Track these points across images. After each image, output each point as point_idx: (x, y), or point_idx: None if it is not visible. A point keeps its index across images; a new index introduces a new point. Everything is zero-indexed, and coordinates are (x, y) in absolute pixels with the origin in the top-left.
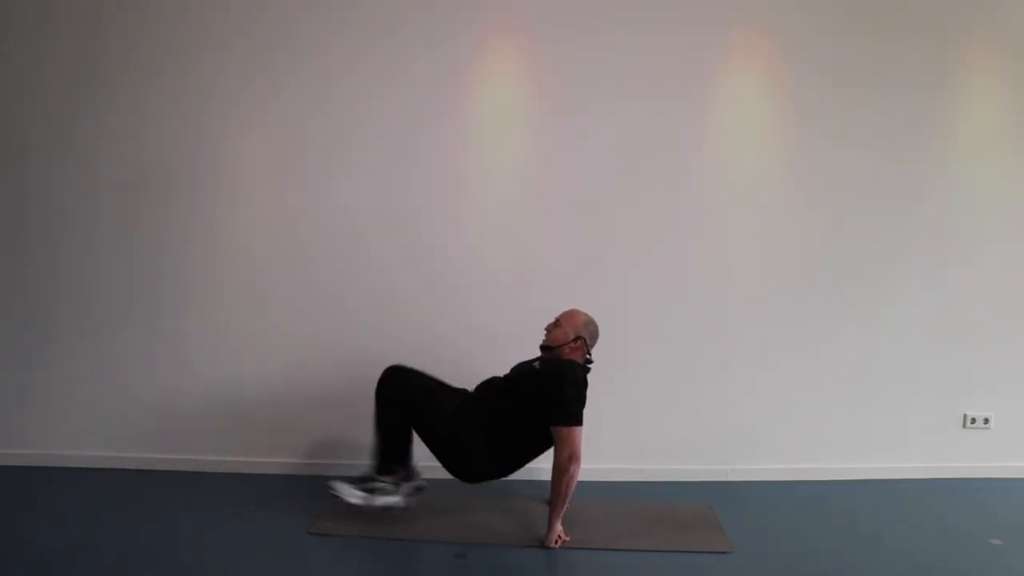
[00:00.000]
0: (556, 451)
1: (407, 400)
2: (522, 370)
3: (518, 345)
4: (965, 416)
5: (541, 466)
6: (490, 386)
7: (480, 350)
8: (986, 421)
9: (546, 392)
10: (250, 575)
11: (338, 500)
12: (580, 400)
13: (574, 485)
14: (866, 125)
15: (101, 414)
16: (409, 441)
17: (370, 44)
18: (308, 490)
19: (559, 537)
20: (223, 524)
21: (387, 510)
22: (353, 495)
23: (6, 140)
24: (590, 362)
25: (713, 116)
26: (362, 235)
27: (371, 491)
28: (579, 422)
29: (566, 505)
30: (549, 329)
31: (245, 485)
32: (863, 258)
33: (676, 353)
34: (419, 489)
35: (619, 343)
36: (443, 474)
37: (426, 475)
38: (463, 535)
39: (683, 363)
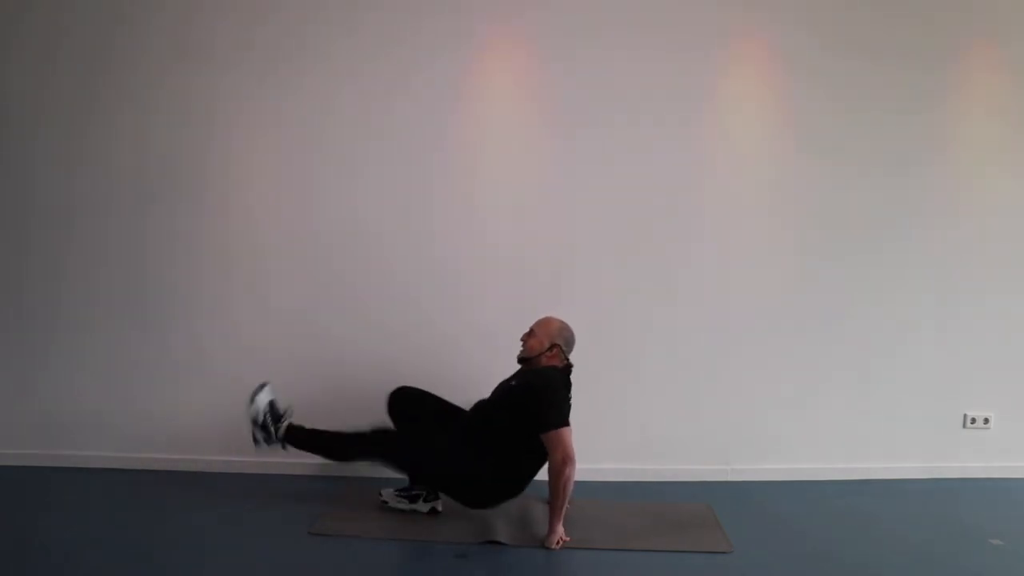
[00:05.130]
0: (549, 456)
1: (403, 455)
2: (502, 390)
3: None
4: (965, 416)
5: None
6: (478, 413)
7: (486, 351)
8: (986, 421)
9: (527, 404)
10: (250, 575)
11: (341, 501)
12: (562, 402)
13: (572, 485)
14: (866, 131)
15: (102, 414)
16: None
17: (378, 48)
18: (308, 490)
19: (560, 538)
20: (223, 524)
21: (433, 512)
22: (400, 502)
23: (13, 139)
24: (569, 365)
25: (715, 123)
26: (369, 237)
27: (414, 498)
28: (565, 423)
29: (566, 506)
30: (524, 340)
31: (245, 485)
32: (863, 259)
33: (676, 353)
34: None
35: (619, 344)
36: None
37: None
38: (463, 535)
39: (683, 363)
